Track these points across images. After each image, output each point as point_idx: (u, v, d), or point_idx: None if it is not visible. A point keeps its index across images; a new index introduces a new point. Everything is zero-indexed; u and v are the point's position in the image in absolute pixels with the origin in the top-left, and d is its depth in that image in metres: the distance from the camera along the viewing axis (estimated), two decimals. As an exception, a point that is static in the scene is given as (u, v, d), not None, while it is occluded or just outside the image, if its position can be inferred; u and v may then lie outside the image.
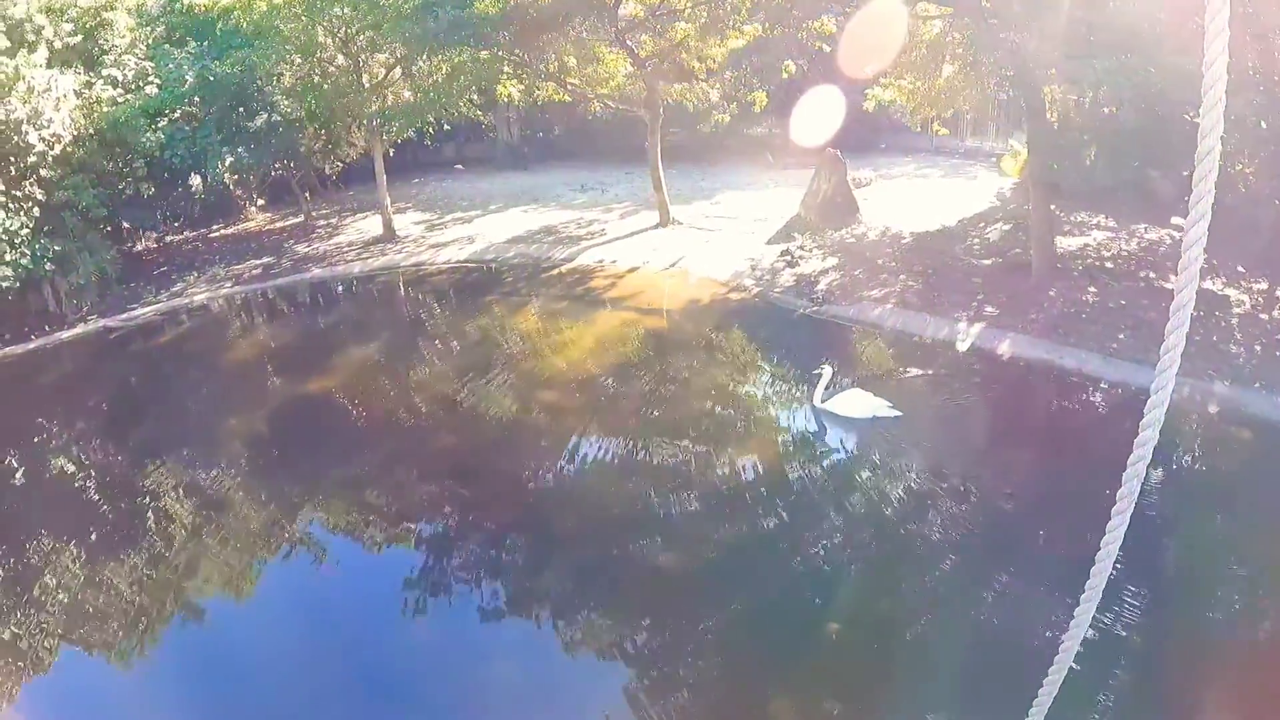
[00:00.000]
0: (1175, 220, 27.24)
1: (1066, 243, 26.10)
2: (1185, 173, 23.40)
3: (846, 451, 17.45)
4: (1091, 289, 22.88)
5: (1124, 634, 11.69)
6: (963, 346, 21.23)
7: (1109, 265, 24.69)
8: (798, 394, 19.91)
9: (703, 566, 14.49)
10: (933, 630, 12.43)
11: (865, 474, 16.53)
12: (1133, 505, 3.51)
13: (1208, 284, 22.76)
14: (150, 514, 18.09)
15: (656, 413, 20.03)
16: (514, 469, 18.17)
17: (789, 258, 28.44)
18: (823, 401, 18.74)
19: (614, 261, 31.39)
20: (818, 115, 47.07)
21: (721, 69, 33.34)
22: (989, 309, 22.69)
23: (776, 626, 13.01)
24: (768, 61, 31.51)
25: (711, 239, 32.25)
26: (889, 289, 24.84)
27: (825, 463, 16.72)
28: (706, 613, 13.40)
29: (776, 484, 16.26)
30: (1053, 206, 24.56)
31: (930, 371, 20.80)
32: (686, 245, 31.82)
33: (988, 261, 26.09)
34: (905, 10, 24.87)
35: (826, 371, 18.95)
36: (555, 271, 31.66)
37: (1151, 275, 23.73)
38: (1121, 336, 20.13)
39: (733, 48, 32.42)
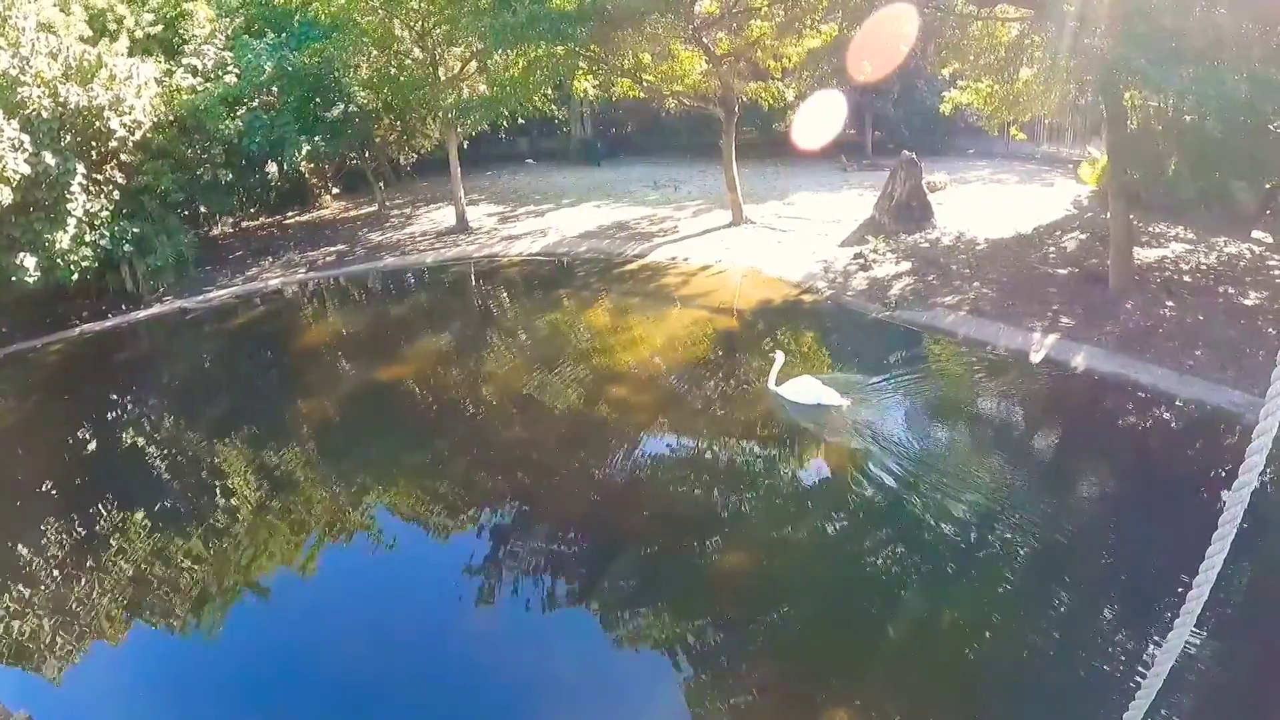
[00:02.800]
0: (1256, 234, 26.82)
1: (1144, 254, 25.70)
2: (1269, 185, 23.19)
3: (913, 462, 17.27)
4: (1169, 303, 22.44)
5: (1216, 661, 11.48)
6: (1036, 358, 20.84)
7: (1187, 279, 24.24)
8: (870, 401, 19.71)
9: (766, 569, 14.31)
10: (996, 643, 12.26)
11: (928, 486, 16.31)
12: (1235, 529, 3.40)
13: (1292, 302, 22.46)
14: (218, 491, 18.30)
15: (725, 412, 19.90)
16: (580, 463, 18.11)
17: (862, 261, 28.20)
18: (776, 385, 19.32)
19: (686, 259, 31.39)
20: (891, 114, 47.05)
21: (798, 68, 33.12)
22: (1064, 320, 22.26)
23: (837, 632, 12.87)
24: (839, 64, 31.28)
25: (784, 239, 32.12)
26: (963, 296, 24.52)
27: (894, 472, 16.52)
28: (769, 616, 13.26)
29: (842, 490, 16.09)
30: (1131, 217, 24.18)
31: (1005, 383, 20.58)
32: (759, 245, 31.71)
33: (1064, 271, 25.73)
34: (982, 11, 24.67)
35: (779, 357, 19.55)
36: (627, 267, 31.70)
37: (1230, 291, 23.22)
38: (1198, 354, 19.64)
39: (810, 47, 32.24)
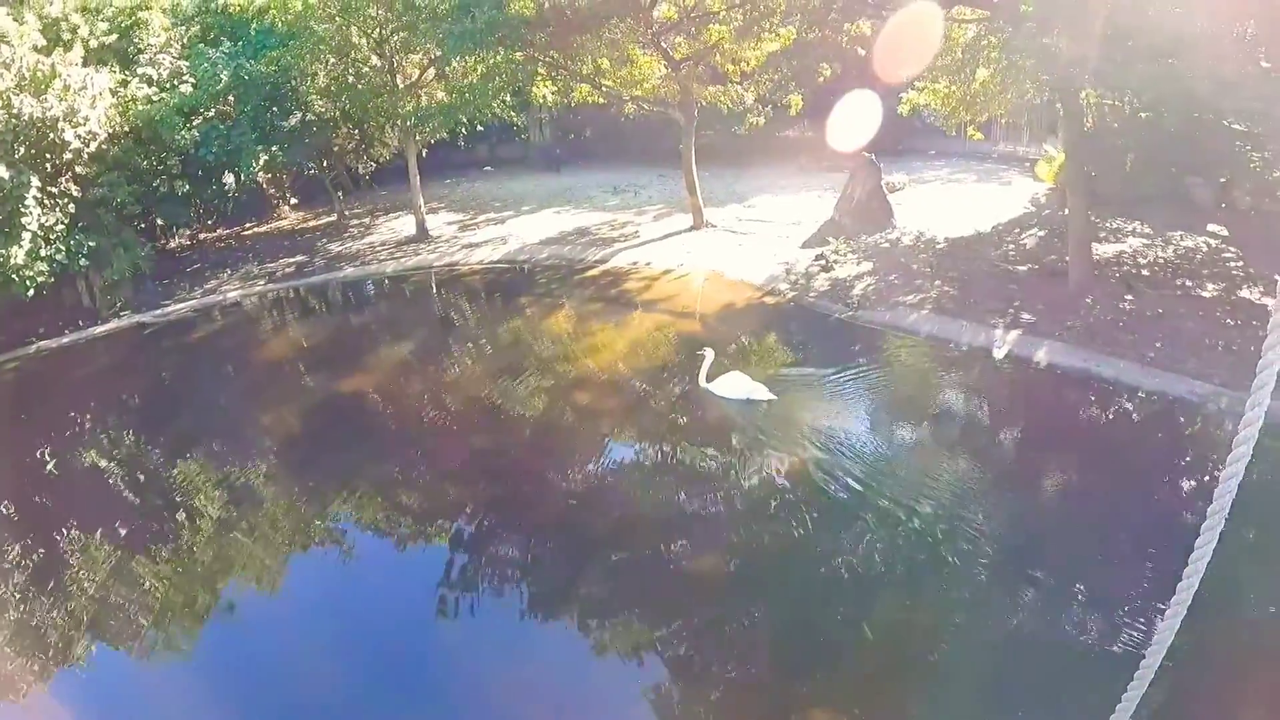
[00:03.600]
0: (1212, 227, 27.09)
1: (1102, 249, 25.91)
2: (1223, 179, 23.48)
3: (879, 459, 17.35)
4: (1129, 297, 22.63)
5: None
6: (999, 353, 21.03)
7: (1145, 273, 24.48)
8: (833, 400, 19.80)
9: (733, 570, 14.51)
10: (966, 638, 12.32)
11: (897, 483, 16.35)
12: (1223, 520, 3.40)
13: (1244, 292, 22.68)
14: (180, 509, 18.18)
15: (688, 416, 19.98)
16: (545, 470, 18.16)
17: (824, 262, 28.28)
18: (706, 382, 19.85)
19: (648, 264, 31.34)
20: (852, 119, 47.08)
21: (757, 72, 33.21)
22: (1025, 316, 22.44)
23: (805, 630, 12.93)
24: (805, 65, 31.28)
25: (745, 242, 32.18)
26: (924, 294, 24.65)
27: (859, 469, 16.58)
28: (736, 616, 13.37)
29: (808, 489, 16.13)
30: (1089, 213, 24.36)
31: (969, 379, 20.73)
32: (721, 248, 31.72)
33: (1024, 268, 25.89)
34: (940, 14, 24.76)
35: (708, 354, 20.11)
36: (589, 273, 31.64)
37: (1188, 284, 23.47)
38: (1159, 346, 19.87)
39: (769, 51, 32.33)
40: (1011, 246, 28.31)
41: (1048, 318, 22.13)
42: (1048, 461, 17.43)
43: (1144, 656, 3.84)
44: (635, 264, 31.61)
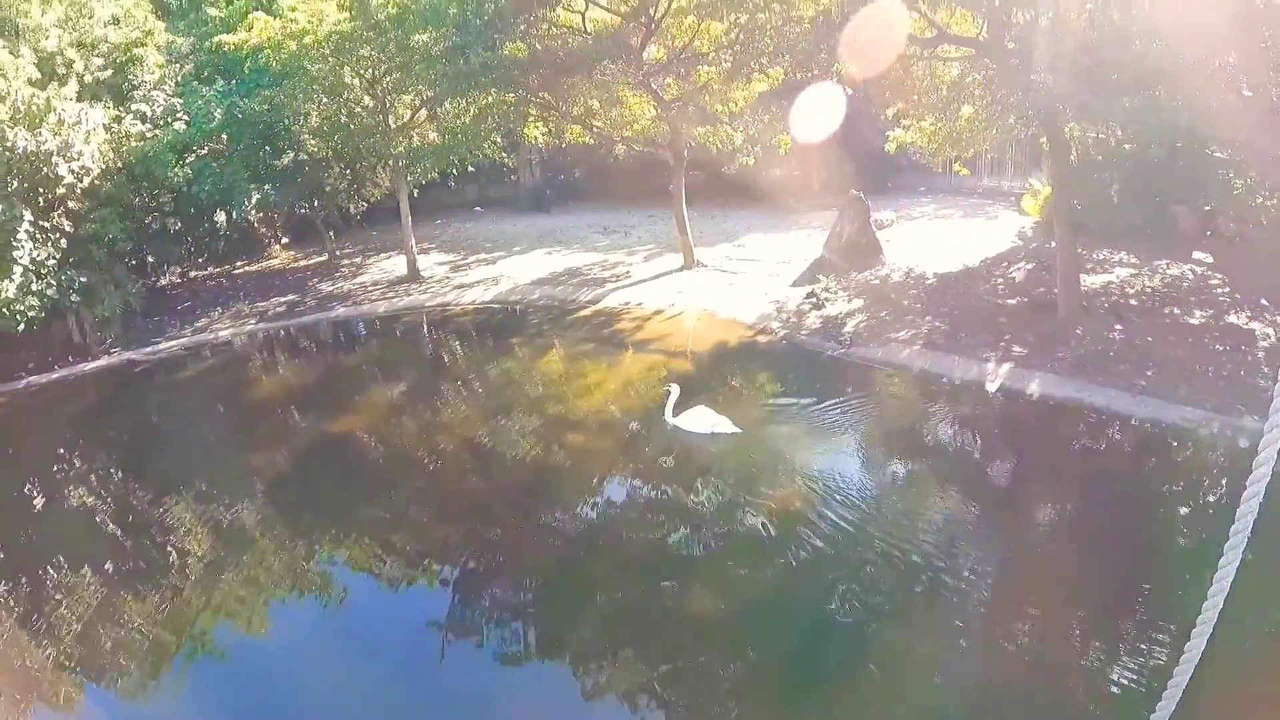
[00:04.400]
0: (1197, 254, 27.40)
1: (1090, 280, 26.19)
2: (1207, 207, 23.81)
3: (874, 495, 17.39)
4: (1118, 327, 22.88)
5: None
6: (991, 386, 21.15)
7: (1134, 302, 24.77)
8: (830, 440, 19.88)
9: (725, 610, 14.29)
10: (963, 676, 12.28)
11: (891, 519, 16.34)
12: (1244, 543, 3.50)
13: (1232, 318, 23.00)
14: (167, 549, 18.02)
15: (679, 457, 19.73)
16: (537, 512, 18.04)
17: (814, 300, 28.41)
18: (673, 417, 20.04)
19: (639, 304, 31.42)
20: (838, 155, 47.40)
21: (746, 112, 33.48)
22: (1016, 349, 22.62)
23: (802, 674, 12.84)
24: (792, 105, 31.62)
25: (736, 281, 32.31)
26: (915, 330, 24.83)
27: (854, 506, 16.58)
28: (731, 659, 13.27)
29: (802, 526, 15.99)
30: (1077, 245, 24.61)
31: (962, 413, 20.86)
32: (711, 288, 31.87)
33: (1013, 301, 26.15)
34: (925, 52, 25.06)
35: (674, 390, 20.33)
36: (580, 314, 31.68)
37: (1176, 311, 23.80)
38: (1149, 374, 20.07)
39: (758, 91, 32.61)
40: (1000, 280, 28.54)
41: (1038, 350, 22.33)
42: (1041, 492, 17.44)
43: (1166, 688, 3.91)
44: (627, 304, 31.69)
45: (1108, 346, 21.87)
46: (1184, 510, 16.37)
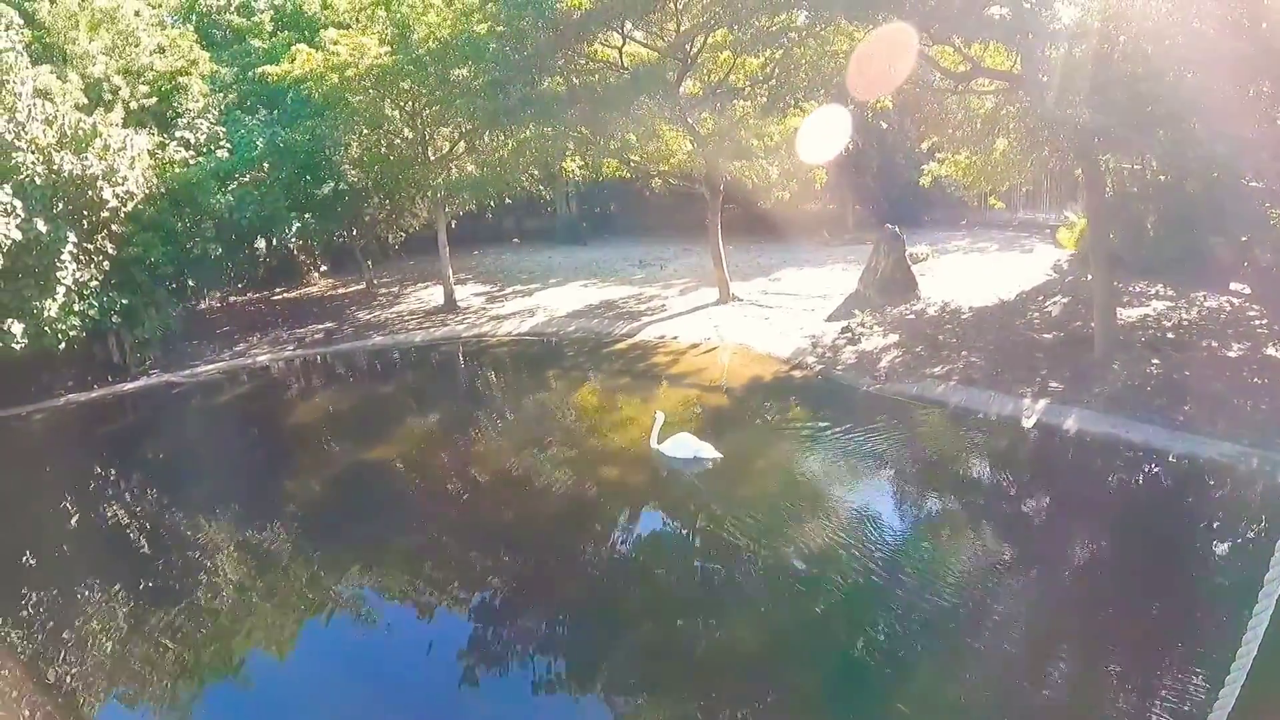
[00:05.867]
0: (1234, 286, 27.30)
1: (1126, 314, 26.06)
2: (1244, 238, 23.74)
3: (913, 534, 17.27)
4: (1155, 361, 22.68)
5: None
6: (1028, 423, 21.04)
7: (1170, 336, 24.56)
8: (865, 477, 19.84)
9: (757, 651, 13.88)
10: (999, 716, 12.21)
11: (931, 554, 16.20)
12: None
13: (1270, 350, 22.95)
14: (197, 569, 18.06)
15: (719, 491, 19.63)
16: (570, 545, 17.92)
17: (850, 335, 28.43)
18: (658, 443, 20.67)
19: (675, 337, 31.52)
20: (873, 189, 47.57)
21: (782, 146, 33.64)
22: (1053, 384, 22.46)
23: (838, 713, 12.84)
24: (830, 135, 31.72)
25: (772, 315, 32.36)
26: (951, 365, 24.78)
27: (891, 548, 16.44)
28: (759, 697, 12.96)
29: (836, 567, 15.75)
30: (1113, 279, 24.55)
31: (998, 449, 20.78)
32: (747, 322, 31.93)
33: (1049, 336, 26.05)
34: (959, 85, 25.10)
35: (659, 417, 21.05)
36: (616, 347, 31.79)
37: (1214, 344, 23.68)
38: (1186, 409, 19.86)
39: (793, 125, 32.79)
40: (1036, 314, 28.50)
41: (1075, 385, 22.15)
42: (1078, 529, 17.09)
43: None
44: (662, 338, 31.80)
45: (1144, 381, 21.63)
46: (1222, 547, 16.25)
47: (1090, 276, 24.90)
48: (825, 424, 22.76)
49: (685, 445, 20.46)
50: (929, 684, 12.61)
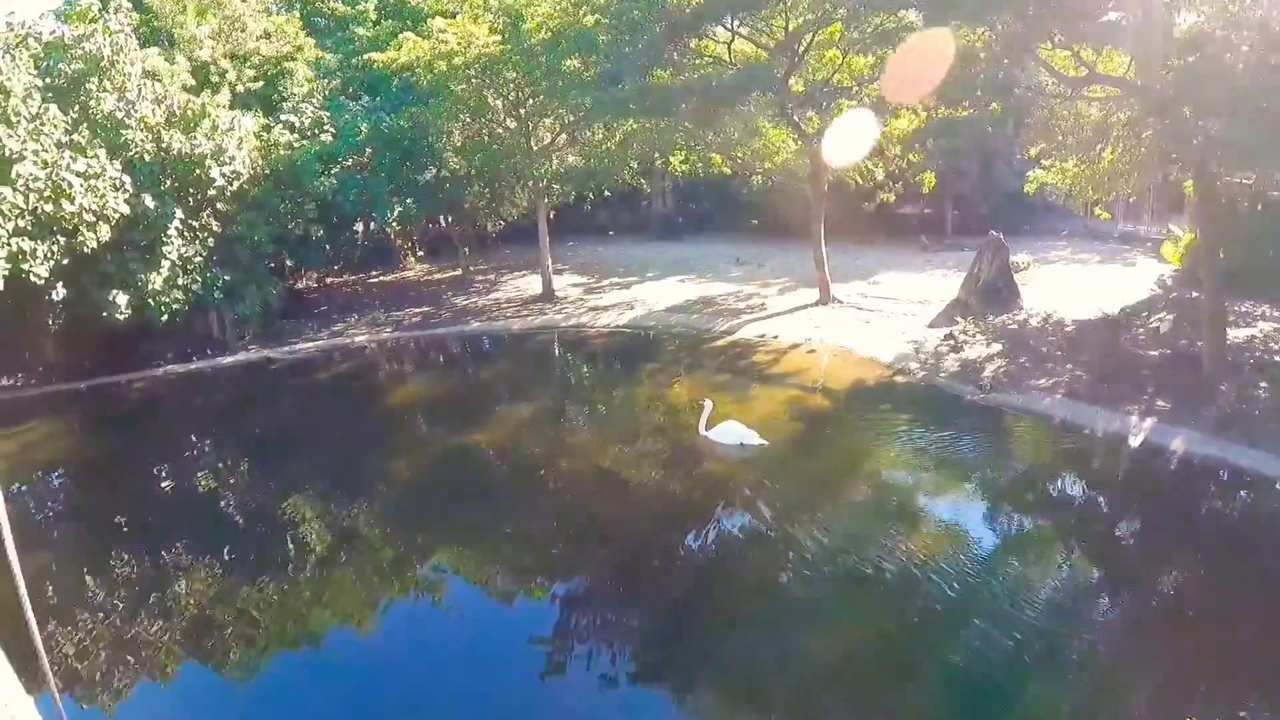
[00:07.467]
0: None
1: (1233, 334, 25.45)
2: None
3: (1020, 551, 16.94)
4: (1263, 384, 22.23)
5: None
6: (1134, 442, 20.64)
7: (1279, 358, 24.14)
8: (978, 489, 19.49)
9: (844, 659, 13.68)
10: None
11: (1035, 572, 15.92)
12: None
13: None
14: (286, 539, 18.50)
15: (819, 497, 19.25)
16: (659, 539, 17.70)
17: (953, 342, 28.17)
18: (705, 430, 21.55)
19: (775, 337, 31.34)
20: (972, 195, 47.02)
21: (896, 147, 33.38)
22: (1159, 403, 22.03)
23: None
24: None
25: (873, 319, 32.16)
26: (1056, 378, 24.44)
27: (990, 563, 16.14)
28: (860, 703, 12.85)
29: (936, 579, 15.32)
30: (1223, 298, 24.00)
31: (1109, 467, 20.36)
32: (848, 324, 31.72)
33: (1155, 353, 25.54)
34: (1071, 91, 24.58)
35: (708, 405, 21.96)
36: (716, 344, 31.67)
37: (1326, 367, 23.13)
38: (1297, 433, 19.48)
39: (903, 127, 32.45)
40: (1141, 330, 27.98)
41: (1182, 405, 21.71)
42: (1185, 557, 16.66)
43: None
44: (763, 336, 31.64)
45: (1253, 405, 21.19)
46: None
47: (1196, 293, 24.38)
48: (933, 432, 22.49)
49: (732, 432, 21.20)
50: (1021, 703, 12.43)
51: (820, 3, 29.36)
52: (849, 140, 31.73)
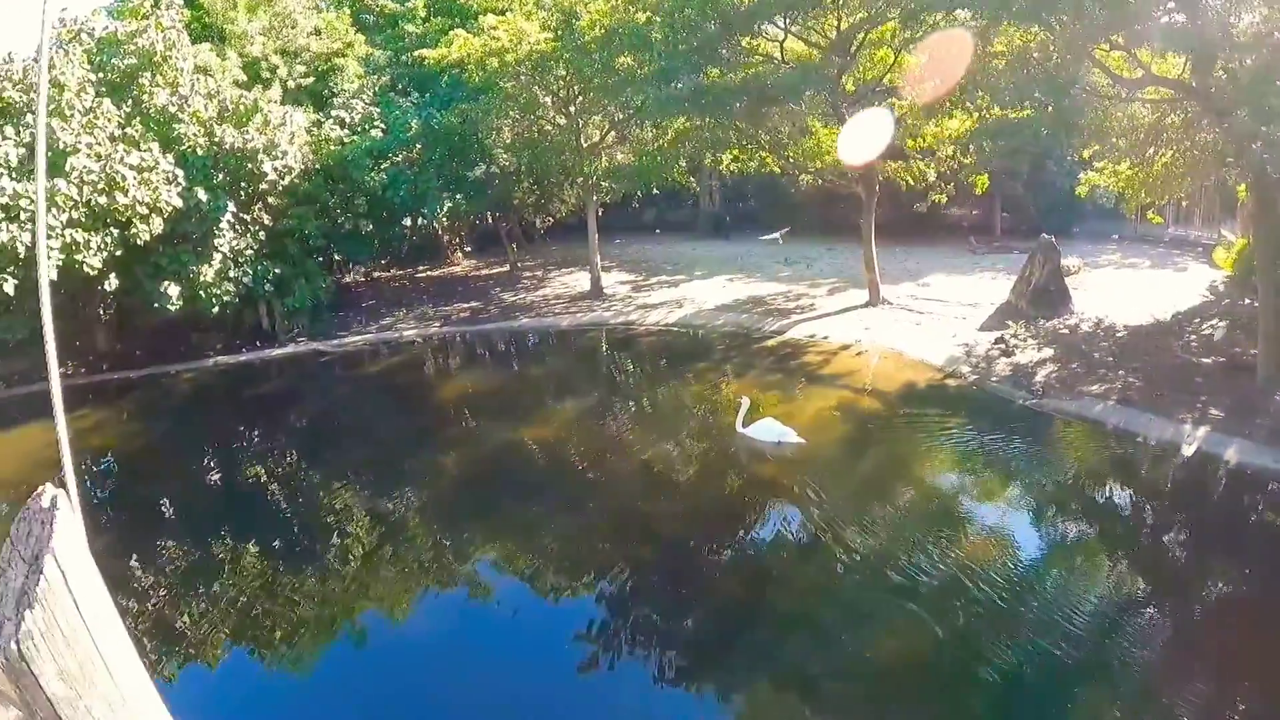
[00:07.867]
0: None
1: (1286, 342, 25.16)
2: None
3: (1070, 561, 16.76)
4: (1318, 394, 21.91)
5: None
6: (1188, 450, 20.41)
7: (1335, 368, 23.73)
8: (1020, 492, 19.37)
9: (906, 666, 13.48)
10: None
11: (1077, 581, 15.72)
12: None
13: None
14: (332, 531, 18.70)
15: (870, 499, 19.09)
16: (706, 538, 17.72)
17: (1004, 346, 27.95)
18: (743, 426, 21.59)
19: (825, 337, 31.22)
20: (1022, 197, 46.66)
21: (949, 148, 33.20)
22: (1213, 411, 21.67)
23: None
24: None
25: (923, 321, 31.97)
26: (1109, 384, 24.17)
27: (1038, 561, 16.05)
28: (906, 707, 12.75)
29: (993, 583, 15.18)
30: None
31: (1163, 476, 20.16)
32: (898, 326, 31.55)
33: (1208, 360, 25.20)
34: (1125, 93, 24.33)
35: (745, 401, 22.13)
36: (766, 343, 31.58)
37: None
38: (1352, 447, 19.14)
39: (955, 128, 32.23)
40: (1194, 337, 27.63)
41: (1236, 414, 21.36)
42: (1236, 569, 16.20)
43: None
44: (813, 337, 31.54)
45: (1310, 415, 20.89)
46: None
47: (1249, 300, 24.05)
48: (984, 436, 22.37)
49: (770, 429, 21.25)
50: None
51: (874, 1, 29.28)
52: (886, 139, 31.55)
